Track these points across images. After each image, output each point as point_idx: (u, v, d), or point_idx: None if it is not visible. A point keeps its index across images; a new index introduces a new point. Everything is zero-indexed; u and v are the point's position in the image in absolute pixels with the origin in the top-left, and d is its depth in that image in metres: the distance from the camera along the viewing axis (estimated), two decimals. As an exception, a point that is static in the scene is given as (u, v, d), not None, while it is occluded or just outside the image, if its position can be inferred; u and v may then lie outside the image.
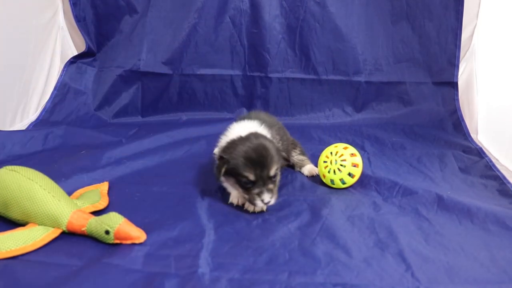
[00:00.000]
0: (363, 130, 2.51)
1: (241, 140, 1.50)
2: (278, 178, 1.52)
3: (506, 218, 1.43)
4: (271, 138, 1.60)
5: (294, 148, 1.92)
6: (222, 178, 1.55)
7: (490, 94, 2.35)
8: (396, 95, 2.72)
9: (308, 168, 1.86)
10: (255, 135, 1.53)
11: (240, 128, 1.61)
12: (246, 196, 1.47)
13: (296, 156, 1.91)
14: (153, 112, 2.74)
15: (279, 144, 1.70)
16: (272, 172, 1.44)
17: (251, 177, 1.43)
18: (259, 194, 1.42)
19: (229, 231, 1.36)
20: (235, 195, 1.57)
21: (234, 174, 1.47)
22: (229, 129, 1.66)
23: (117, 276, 1.11)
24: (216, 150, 1.62)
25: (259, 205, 1.44)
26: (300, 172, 1.88)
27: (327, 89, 2.72)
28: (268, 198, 1.42)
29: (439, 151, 2.17)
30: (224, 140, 1.59)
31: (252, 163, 1.42)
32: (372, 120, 2.68)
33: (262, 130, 1.64)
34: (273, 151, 1.47)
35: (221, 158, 1.50)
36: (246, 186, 1.45)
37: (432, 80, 2.68)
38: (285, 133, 1.91)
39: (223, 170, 1.48)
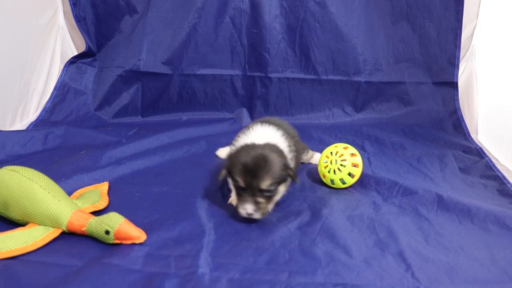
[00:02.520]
0: (363, 130, 2.51)
1: (249, 146, 1.49)
2: (276, 196, 1.48)
3: (506, 218, 1.44)
4: (286, 153, 1.55)
5: (304, 152, 1.94)
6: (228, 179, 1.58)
7: (490, 94, 2.34)
8: (396, 95, 2.72)
9: (316, 157, 1.94)
10: (267, 146, 1.49)
11: (260, 134, 1.59)
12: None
13: (305, 156, 1.97)
14: (153, 112, 2.74)
15: (292, 160, 1.62)
16: (263, 186, 1.39)
17: (241, 183, 1.40)
18: (243, 203, 1.40)
19: (229, 231, 1.36)
20: (234, 197, 1.57)
21: (232, 177, 1.46)
22: (251, 130, 1.63)
23: (117, 276, 1.11)
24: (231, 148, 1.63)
25: (241, 212, 1.40)
26: (311, 162, 1.98)
27: (327, 89, 2.72)
28: (250, 210, 1.38)
29: (439, 151, 2.17)
30: (240, 141, 1.59)
31: (245, 169, 1.40)
32: (372, 120, 2.68)
33: (282, 142, 1.58)
34: (273, 166, 1.41)
35: (227, 158, 1.53)
36: (238, 191, 1.44)
37: (432, 80, 2.68)
38: (300, 144, 1.86)
39: (223, 171, 1.49)
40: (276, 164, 1.42)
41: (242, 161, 1.41)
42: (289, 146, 1.60)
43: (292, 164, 1.57)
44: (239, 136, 1.66)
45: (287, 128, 1.78)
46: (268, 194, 1.42)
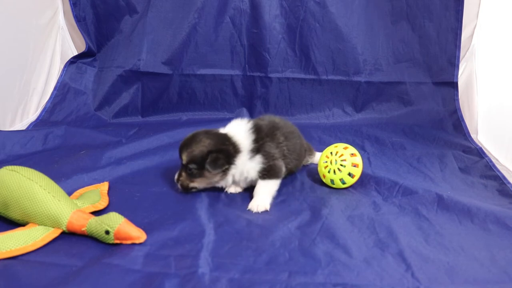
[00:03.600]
0: (363, 130, 2.51)
1: (197, 131, 1.65)
2: (200, 178, 1.59)
3: (506, 218, 1.44)
4: (240, 143, 1.59)
5: (310, 154, 1.98)
6: None
7: (490, 94, 2.35)
8: (396, 95, 2.72)
9: (317, 157, 1.95)
10: (208, 132, 1.62)
11: (230, 125, 1.70)
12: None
13: (310, 158, 1.99)
14: (153, 112, 2.74)
15: (277, 148, 1.66)
16: (183, 161, 1.58)
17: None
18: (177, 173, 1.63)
19: (229, 231, 1.36)
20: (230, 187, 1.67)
21: None
22: (232, 122, 1.74)
23: (117, 276, 1.11)
24: None
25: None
26: (313, 162, 1.99)
27: (327, 89, 2.72)
28: (175, 177, 1.62)
29: (439, 151, 2.17)
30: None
31: (180, 146, 1.62)
32: (372, 120, 2.68)
33: (244, 133, 1.63)
34: (195, 148, 1.56)
35: None
36: None
37: (432, 80, 2.68)
38: (297, 137, 1.84)
39: None
40: (199, 146, 1.57)
41: (182, 140, 1.64)
42: (256, 139, 1.62)
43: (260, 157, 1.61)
44: None
45: (270, 121, 1.77)
46: (189, 172, 1.58)
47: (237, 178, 1.62)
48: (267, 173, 1.59)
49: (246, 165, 1.60)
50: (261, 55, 2.67)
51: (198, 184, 1.61)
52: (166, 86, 2.71)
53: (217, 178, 1.60)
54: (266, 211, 1.51)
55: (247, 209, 1.53)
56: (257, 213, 1.50)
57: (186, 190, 1.62)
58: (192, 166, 1.56)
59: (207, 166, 1.54)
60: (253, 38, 2.66)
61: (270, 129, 1.69)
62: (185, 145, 1.59)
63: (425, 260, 1.22)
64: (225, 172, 1.59)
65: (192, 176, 1.59)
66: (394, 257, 1.23)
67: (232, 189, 1.67)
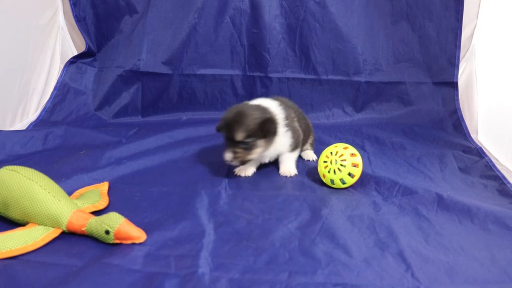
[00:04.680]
0: (363, 130, 2.51)
1: (236, 105, 1.70)
2: (257, 148, 1.65)
3: (506, 218, 1.43)
4: (278, 116, 1.69)
5: (309, 135, 2.07)
6: None
7: (490, 94, 2.35)
8: (396, 95, 2.72)
9: (307, 153, 2.03)
10: (251, 105, 1.68)
11: (259, 100, 1.78)
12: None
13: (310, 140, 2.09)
14: (153, 112, 2.74)
15: (294, 123, 1.79)
16: (238, 138, 1.58)
17: (224, 135, 1.65)
18: (225, 152, 1.63)
19: (229, 231, 1.36)
20: (239, 168, 1.79)
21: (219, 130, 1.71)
22: (255, 100, 1.82)
23: (117, 276, 1.11)
24: None
25: (225, 158, 1.62)
26: (302, 157, 2.05)
27: (327, 89, 2.73)
28: (228, 158, 1.61)
29: (439, 151, 2.17)
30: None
31: (225, 123, 1.63)
32: (372, 120, 2.68)
33: (276, 108, 1.74)
34: (248, 121, 1.58)
35: None
36: (225, 141, 1.66)
37: (432, 80, 2.68)
38: (305, 118, 2.01)
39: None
40: (252, 119, 1.60)
41: (224, 117, 1.65)
42: (287, 115, 1.75)
43: (288, 130, 1.73)
44: None
45: (291, 105, 1.91)
46: (245, 146, 1.61)
47: (271, 149, 1.70)
48: (294, 147, 1.78)
49: (281, 139, 1.69)
50: (261, 55, 2.67)
51: (255, 155, 1.67)
52: (166, 86, 2.71)
53: (268, 145, 1.68)
54: (296, 175, 1.77)
55: (280, 174, 1.79)
56: (290, 176, 1.76)
57: (244, 163, 1.71)
58: (250, 139, 1.60)
59: (271, 133, 1.63)
60: (253, 38, 2.66)
61: (288, 108, 1.81)
62: (235, 123, 1.60)
63: (425, 260, 1.22)
64: (272, 139, 1.66)
65: (249, 149, 1.63)
66: (394, 257, 1.23)
67: (242, 172, 1.76)
